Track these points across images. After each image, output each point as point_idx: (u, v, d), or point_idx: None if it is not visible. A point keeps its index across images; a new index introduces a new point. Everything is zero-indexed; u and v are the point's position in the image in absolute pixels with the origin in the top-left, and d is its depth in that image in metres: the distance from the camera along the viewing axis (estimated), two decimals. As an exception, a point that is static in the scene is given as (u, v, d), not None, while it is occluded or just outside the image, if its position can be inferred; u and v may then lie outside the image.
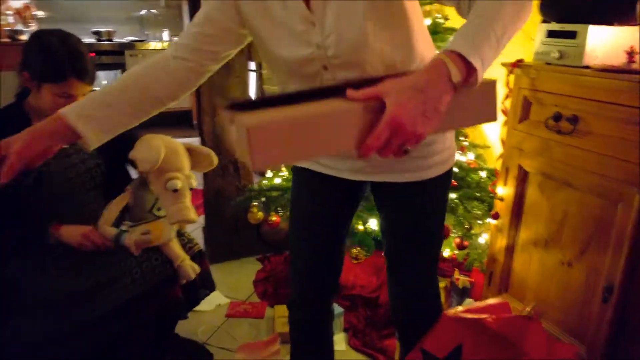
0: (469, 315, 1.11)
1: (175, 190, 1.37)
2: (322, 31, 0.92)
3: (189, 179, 1.44)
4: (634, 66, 1.28)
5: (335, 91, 0.75)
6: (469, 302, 1.55)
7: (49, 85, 1.31)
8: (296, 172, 1.23)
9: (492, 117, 0.82)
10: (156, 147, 1.36)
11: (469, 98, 0.75)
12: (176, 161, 1.42)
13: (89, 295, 1.35)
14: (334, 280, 1.30)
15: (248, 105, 0.74)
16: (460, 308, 1.18)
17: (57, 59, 1.29)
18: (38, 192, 1.39)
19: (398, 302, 1.27)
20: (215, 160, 1.55)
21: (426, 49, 1.02)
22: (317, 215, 1.21)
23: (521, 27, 0.81)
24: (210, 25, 0.99)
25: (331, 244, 1.25)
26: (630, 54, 1.28)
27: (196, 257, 1.59)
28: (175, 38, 4.00)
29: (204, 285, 1.66)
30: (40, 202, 1.40)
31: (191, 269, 1.50)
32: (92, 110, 0.96)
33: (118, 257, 1.42)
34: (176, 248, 1.51)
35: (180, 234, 1.61)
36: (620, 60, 1.33)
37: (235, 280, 2.34)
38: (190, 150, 1.51)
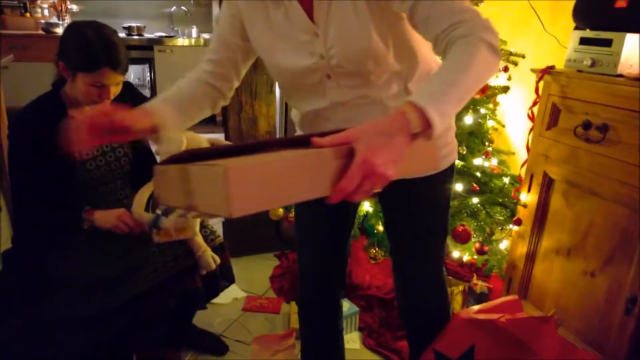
0: (482, 316, 1.11)
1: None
2: (325, 42, 0.93)
3: None
4: (669, 76, 1.26)
5: (296, 143, 0.76)
6: (488, 307, 1.54)
7: (83, 75, 1.35)
8: None
9: (434, 167, 0.86)
10: (178, 140, 1.39)
11: (414, 147, 0.76)
12: None
13: (114, 282, 1.38)
14: (340, 276, 1.32)
15: (190, 158, 0.73)
16: (475, 308, 1.18)
17: (91, 49, 1.33)
18: (72, 178, 1.43)
19: (403, 301, 1.27)
20: None
21: (428, 53, 1.03)
22: (320, 214, 1.21)
23: (486, 82, 0.84)
24: (225, 47, 1.05)
25: (335, 242, 1.27)
26: (666, 63, 1.27)
27: (218, 249, 1.62)
28: (205, 35, 4.06)
29: (224, 277, 1.68)
30: (74, 188, 1.44)
31: (212, 259, 1.52)
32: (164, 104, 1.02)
33: (142, 246, 1.45)
34: (199, 239, 1.54)
35: (202, 226, 1.64)
36: (654, 69, 1.31)
37: (252, 275, 2.36)
38: (214, 145, 1.54)
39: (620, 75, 1.33)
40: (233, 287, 2.16)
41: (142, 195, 1.45)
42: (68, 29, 1.41)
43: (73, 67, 1.36)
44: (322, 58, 0.95)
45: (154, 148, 1.48)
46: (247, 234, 2.51)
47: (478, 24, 0.81)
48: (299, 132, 1.23)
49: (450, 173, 1.16)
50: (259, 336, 1.85)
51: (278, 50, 0.98)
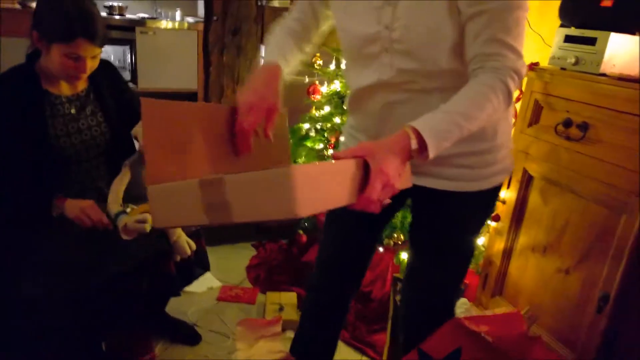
0: (473, 326, 1.08)
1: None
2: (394, 11, 0.94)
3: None
4: (651, 77, 1.27)
5: None
6: (464, 302, 1.54)
7: (58, 45, 1.29)
8: None
9: (407, 185, 0.90)
10: None
11: None
12: None
13: (86, 267, 1.34)
14: (355, 275, 1.32)
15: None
16: (473, 312, 1.15)
17: (67, 18, 1.27)
18: (44, 156, 1.37)
19: (409, 310, 1.25)
20: None
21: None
22: (351, 213, 1.22)
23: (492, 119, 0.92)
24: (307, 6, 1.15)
25: (358, 243, 1.27)
26: (648, 64, 1.27)
27: (193, 235, 1.58)
28: (188, 18, 3.99)
29: (199, 264, 1.65)
30: (46, 166, 1.38)
31: (187, 245, 1.49)
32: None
33: (114, 230, 1.40)
34: (173, 225, 1.50)
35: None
36: (636, 70, 1.31)
37: (228, 265, 2.33)
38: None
39: (603, 74, 1.33)
40: (208, 275, 2.14)
41: (119, 188, 1.40)
42: None
43: (47, 37, 1.30)
44: (386, 28, 0.95)
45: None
46: (224, 223, 2.47)
47: (513, 67, 0.88)
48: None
49: (491, 195, 1.11)
50: (245, 319, 1.83)
51: (350, 13, 1.02)
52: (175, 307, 1.87)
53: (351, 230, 1.25)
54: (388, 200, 0.81)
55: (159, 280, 1.51)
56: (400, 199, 1.15)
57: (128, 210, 1.40)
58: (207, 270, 1.68)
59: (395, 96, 1.02)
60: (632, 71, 1.32)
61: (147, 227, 1.37)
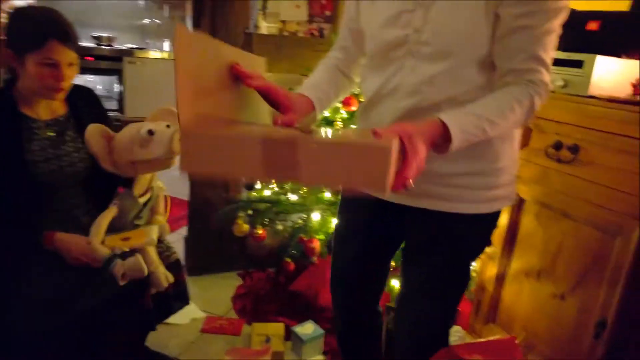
0: (466, 356, 1.03)
1: (151, 132, 1.31)
2: (427, 13, 0.93)
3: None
4: None
5: None
6: (457, 330, 1.48)
7: (32, 55, 1.26)
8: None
9: (380, 188, 0.73)
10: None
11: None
12: None
13: (58, 301, 1.27)
14: (369, 296, 1.31)
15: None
16: (467, 340, 1.09)
17: (36, 23, 1.26)
18: (21, 183, 1.31)
19: (401, 341, 1.19)
20: None
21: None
22: (352, 229, 1.25)
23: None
24: (349, 33, 1.15)
25: (363, 262, 1.25)
26: (636, 86, 1.28)
27: (172, 266, 1.51)
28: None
29: (178, 297, 1.58)
30: (24, 194, 1.32)
31: (164, 277, 1.42)
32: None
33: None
34: (152, 253, 1.43)
35: (158, 241, 1.53)
36: (625, 92, 1.32)
37: (213, 295, 2.25)
38: None
39: (592, 97, 1.33)
40: (192, 307, 2.05)
41: (101, 226, 1.34)
42: (11, 15, 1.33)
43: (20, 50, 1.27)
44: (415, 32, 0.95)
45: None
46: (210, 252, 2.40)
47: (544, 82, 0.90)
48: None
49: (489, 221, 1.08)
50: (233, 348, 1.75)
51: (378, 17, 1.01)
52: (156, 340, 1.77)
53: (359, 250, 1.24)
54: (411, 183, 0.78)
55: (135, 314, 1.43)
56: (397, 217, 1.13)
57: (117, 251, 1.33)
58: (186, 304, 1.60)
59: (406, 103, 0.99)
60: (620, 93, 1.32)
61: (145, 272, 1.31)
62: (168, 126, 1.35)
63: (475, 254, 1.14)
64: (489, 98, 0.90)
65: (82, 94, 1.48)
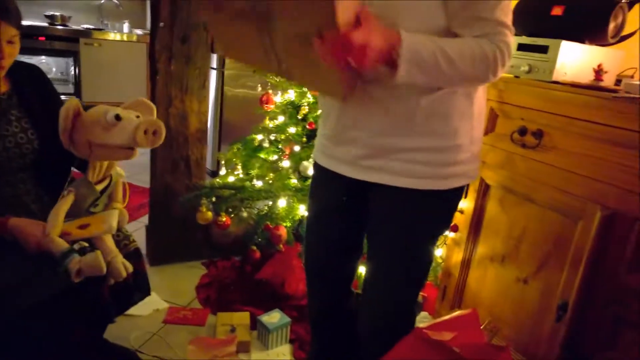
0: (437, 336, 1.03)
1: (118, 117, 1.24)
2: None
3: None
4: (602, 84, 1.28)
5: None
6: (424, 316, 1.49)
7: None
8: (314, 167, 1.26)
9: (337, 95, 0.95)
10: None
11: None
12: None
13: (5, 292, 1.19)
14: (341, 281, 1.32)
15: None
16: (429, 322, 1.09)
17: None
18: None
19: (367, 325, 1.19)
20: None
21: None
22: (323, 212, 1.25)
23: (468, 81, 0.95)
24: None
25: (336, 244, 1.26)
26: (599, 72, 1.29)
27: (131, 256, 1.44)
28: (137, 30, 3.82)
29: (139, 288, 1.51)
30: None
31: (123, 267, 1.35)
32: None
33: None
34: (109, 242, 1.36)
35: (117, 229, 1.46)
36: (588, 77, 1.33)
37: (177, 285, 2.19)
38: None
39: (556, 82, 1.34)
40: (154, 297, 1.99)
41: (58, 216, 1.26)
42: None
43: None
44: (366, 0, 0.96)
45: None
46: (173, 240, 2.33)
47: (506, 44, 0.91)
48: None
49: (449, 199, 1.08)
50: (198, 337, 1.70)
51: None
52: (116, 332, 1.70)
53: (324, 234, 1.25)
54: (356, 65, 0.80)
55: (92, 306, 1.36)
56: (363, 196, 1.13)
57: (76, 246, 1.26)
58: (147, 294, 1.54)
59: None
60: (583, 79, 1.34)
61: (104, 270, 1.24)
62: (137, 117, 1.28)
63: (436, 231, 1.14)
64: (455, 39, 0.90)
65: (26, 71, 1.38)
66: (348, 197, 1.18)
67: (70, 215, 1.32)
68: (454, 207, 1.13)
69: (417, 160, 1.00)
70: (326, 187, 1.22)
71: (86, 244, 1.28)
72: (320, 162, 1.20)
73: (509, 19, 0.92)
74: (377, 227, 1.13)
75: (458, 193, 1.09)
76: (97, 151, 1.32)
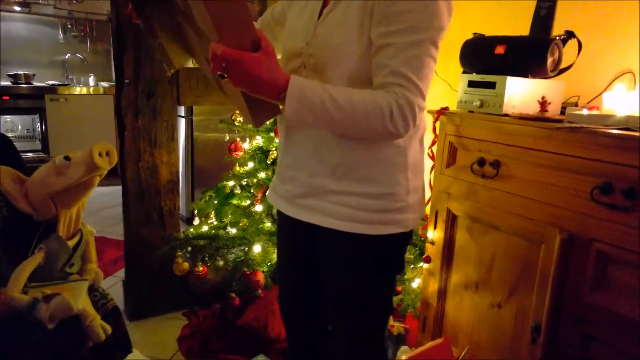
0: None
1: (67, 158, 1.28)
2: (315, 29, 1.03)
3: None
4: (547, 115, 1.37)
5: None
6: (405, 350, 1.50)
7: None
8: (277, 212, 1.30)
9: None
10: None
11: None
12: None
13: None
14: (315, 318, 1.33)
15: None
16: (404, 357, 1.12)
17: None
18: None
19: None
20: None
21: None
22: (286, 258, 1.30)
23: (364, 135, 0.96)
24: (261, 22, 1.27)
25: (302, 287, 1.28)
26: (543, 103, 1.37)
27: (110, 315, 1.44)
28: (103, 83, 3.86)
29: (119, 346, 1.50)
30: None
31: (101, 329, 1.34)
32: None
33: (14, 317, 1.24)
34: (86, 305, 1.36)
35: (93, 289, 1.46)
36: (534, 109, 1.42)
37: (158, 339, 2.15)
38: None
39: (506, 115, 1.42)
40: (135, 354, 1.94)
41: (22, 274, 1.25)
42: None
43: None
44: (307, 45, 1.04)
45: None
46: (151, 293, 2.30)
47: (409, 99, 0.91)
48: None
49: (386, 244, 1.08)
50: None
51: (290, 31, 1.13)
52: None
53: (299, 272, 1.28)
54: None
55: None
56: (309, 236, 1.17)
57: (37, 295, 1.25)
58: (128, 352, 1.52)
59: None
60: (530, 110, 1.42)
61: (74, 307, 1.24)
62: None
63: (380, 275, 1.14)
64: (349, 88, 0.94)
65: None
66: (300, 239, 1.21)
67: (47, 276, 1.31)
68: (394, 252, 1.14)
69: (348, 204, 1.03)
70: (286, 232, 1.27)
71: (48, 291, 1.27)
72: (269, 199, 1.24)
73: (417, 76, 0.92)
74: (323, 268, 1.16)
75: (396, 240, 1.10)
76: (61, 199, 1.33)
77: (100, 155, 1.30)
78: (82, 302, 1.32)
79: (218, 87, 1.11)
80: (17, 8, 4.35)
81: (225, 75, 0.82)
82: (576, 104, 1.56)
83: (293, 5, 1.16)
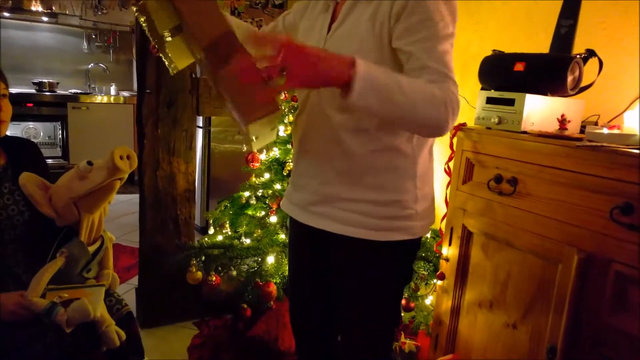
0: None
1: (90, 163, 1.31)
2: (326, 42, 1.06)
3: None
4: (566, 133, 1.36)
5: None
6: (417, 368, 1.49)
7: None
8: (290, 221, 1.32)
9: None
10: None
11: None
12: None
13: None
14: (325, 330, 1.33)
15: None
16: None
17: None
18: None
19: None
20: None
21: None
22: (296, 267, 1.31)
23: (423, 117, 0.93)
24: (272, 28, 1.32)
25: (311, 295, 1.29)
26: (562, 121, 1.36)
27: (124, 320, 1.45)
28: (124, 92, 3.96)
29: (132, 351, 1.50)
30: None
31: (116, 335, 1.35)
32: None
33: (29, 320, 1.26)
34: (102, 310, 1.37)
35: (108, 294, 1.47)
36: (553, 127, 1.41)
37: (169, 347, 2.16)
38: None
39: (524, 132, 1.41)
40: (146, 361, 1.96)
41: (42, 279, 1.27)
42: None
43: None
44: None
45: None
46: (163, 301, 2.31)
47: (451, 91, 0.94)
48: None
49: (394, 251, 1.10)
50: None
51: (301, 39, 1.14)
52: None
53: (300, 286, 1.29)
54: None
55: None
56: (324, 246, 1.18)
57: (55, 299, 1.27)
58: (141, 358, 1.53)
59: (308, 118, 1.11)
60: (549, 128, 1.41)
61: (92, 313, 1.25)
62: None
63: (387, 282, 1.15)
64: (410, 79, 0.94)
65: (22, 145, 1.44)
66: (313, 249, 1.23)
67: (63, 280, 1.33)
68: (402, 259, 1.15)
69: (357, 211, 1.06)
70: (300, 242, 1.28)
71: (66, 295, 1.29)
72: (283, 207, 1.26)
73: (450, 72, 0.97)
74: (335, 277, 1.19)
75: (404, 248, 1.11)
76: (84, 204, 1.35)
77: (121, 158, 1.32)
78: (99, 309, 1.33)
79: (212, 83, 1.15)
80: (44, 18, 4.49)
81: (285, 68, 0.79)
82: (596, 123, 1.55)
83: (305, 16, 1.18)
